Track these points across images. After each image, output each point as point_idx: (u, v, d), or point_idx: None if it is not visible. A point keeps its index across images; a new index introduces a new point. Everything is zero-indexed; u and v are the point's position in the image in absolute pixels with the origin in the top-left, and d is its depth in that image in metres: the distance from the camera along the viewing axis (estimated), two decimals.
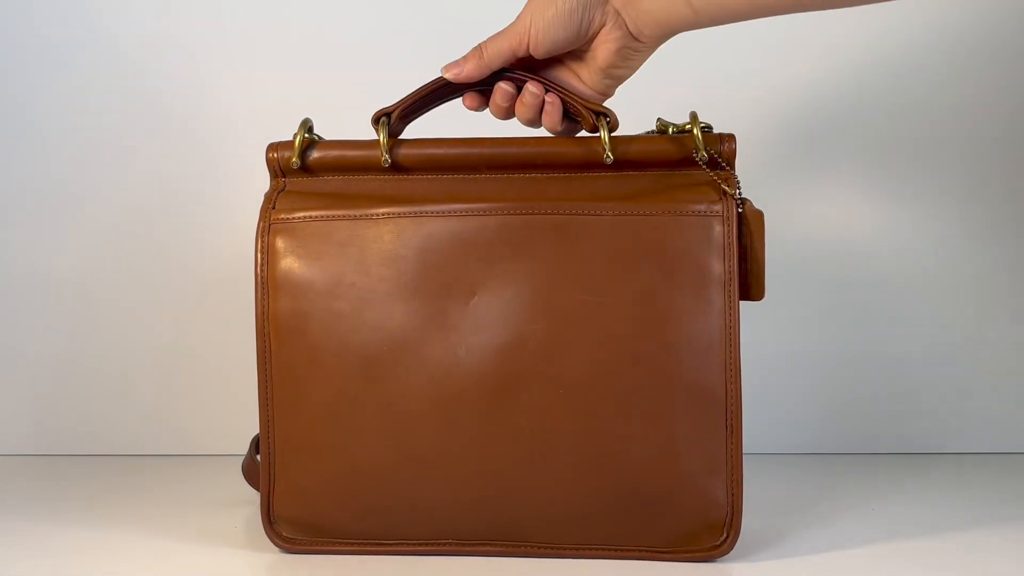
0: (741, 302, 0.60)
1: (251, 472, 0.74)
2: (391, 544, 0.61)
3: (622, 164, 0.61)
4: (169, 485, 0.80)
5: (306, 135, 0.64)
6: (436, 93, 0.64)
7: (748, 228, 0.59)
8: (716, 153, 0.60)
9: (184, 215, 0.90)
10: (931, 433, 0.90)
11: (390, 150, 0.62)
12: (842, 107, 0.88)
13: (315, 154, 0.64)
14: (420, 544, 0.61)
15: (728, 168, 0.61)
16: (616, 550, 0.60)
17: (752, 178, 0.88)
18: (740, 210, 0.59)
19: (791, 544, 0.63)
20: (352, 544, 0.62)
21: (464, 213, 0.60)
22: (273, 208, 0.63)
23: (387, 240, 0.60)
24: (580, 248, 0.59)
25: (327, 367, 0.60)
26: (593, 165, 0.61)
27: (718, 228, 0.58)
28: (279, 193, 0.64)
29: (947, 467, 0.85)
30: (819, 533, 0.65)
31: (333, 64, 0.89)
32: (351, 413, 0.60)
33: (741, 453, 0.59)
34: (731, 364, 0.58)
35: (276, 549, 0.63)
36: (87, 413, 0.91)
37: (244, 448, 0.78)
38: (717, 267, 0.58)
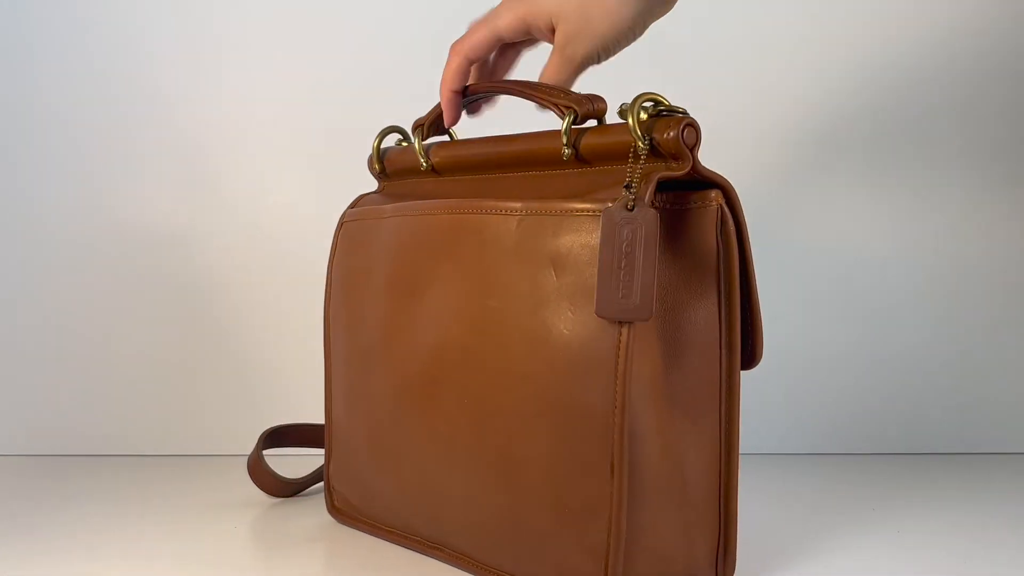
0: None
1: (256, 470, 0.74)
2: (386, 529, 0.64)
3: (588, 159, 0.53)
4: (170, 485, 0.79)
5: (401, 141, 0.67)
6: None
7: (605, 230, 0.47)
8: (656, 143, 0.49)
9: (186, 216, 0.90)
10: (932, 433, 0.90)
11: (427, 153, 0.63)
12: (843, 105, 0.88)
13: (386, 159, 0.67)
14: (392, 533, 0.63)
15: (665, 160, 0.50)
16: None
17: (752, 176, 0.89)
18: (630, 208, 0.47)
19: (790, 545, 0.63)
20: (367, 524, 0.65)
21: (414, 212, 0.60)
22: (351, 208, 0.67)
23: (381, 240, 0.63)
24: (491, 251, 0.54)
25: (344, 357, 0.65)
26: (557, 162, 0.55)
27: (597, 234, 0.49)
28: (365, 195, 0.68)
29: (948, 467, 0.85)
30: (818, 534, 0.65)
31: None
32: (353, 405, 0.64)
33: (624, 498, 0.48)
34: (619, 391, 0.47)
35: (276, 549, 0.64)
36: (87, 413, 0.91)
37: (247, 449, 0.78)
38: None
